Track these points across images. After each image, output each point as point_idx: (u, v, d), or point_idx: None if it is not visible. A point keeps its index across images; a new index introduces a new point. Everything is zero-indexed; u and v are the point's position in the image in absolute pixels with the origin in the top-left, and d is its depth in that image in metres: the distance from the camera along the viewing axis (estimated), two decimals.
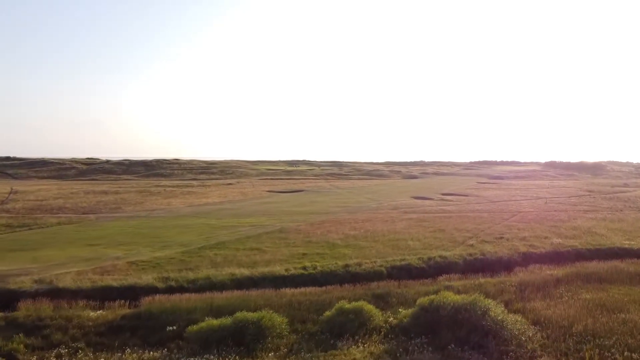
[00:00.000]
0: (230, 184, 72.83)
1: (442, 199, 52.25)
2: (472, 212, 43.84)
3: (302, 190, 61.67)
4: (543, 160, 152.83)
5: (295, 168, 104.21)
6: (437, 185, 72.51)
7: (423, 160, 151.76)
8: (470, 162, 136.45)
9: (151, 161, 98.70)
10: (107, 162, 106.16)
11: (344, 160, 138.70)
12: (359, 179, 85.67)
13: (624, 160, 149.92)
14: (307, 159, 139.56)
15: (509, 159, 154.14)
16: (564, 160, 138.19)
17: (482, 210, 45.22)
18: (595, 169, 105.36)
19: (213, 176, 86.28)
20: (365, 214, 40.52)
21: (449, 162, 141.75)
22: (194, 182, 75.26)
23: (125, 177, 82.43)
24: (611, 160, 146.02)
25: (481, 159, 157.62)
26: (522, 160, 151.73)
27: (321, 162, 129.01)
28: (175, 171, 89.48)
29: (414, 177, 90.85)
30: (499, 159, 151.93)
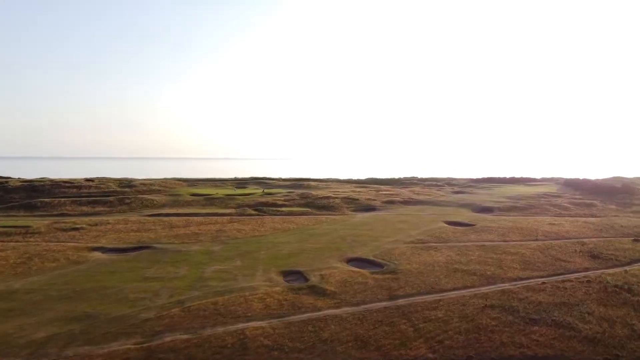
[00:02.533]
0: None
1: (320, 282, 30.85)
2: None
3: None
4: (565, 176, 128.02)
5: (234, 191, 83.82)
6: (367, 233, 51.02)
7: (415, 176, 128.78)
8: (471, 180, 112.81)
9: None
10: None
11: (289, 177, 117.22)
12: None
13: None
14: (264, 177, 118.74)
15: (524, 175, 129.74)
16: (591, 178, 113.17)
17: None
18: (625, 195, 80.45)
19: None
20: None
21: (445, 179, 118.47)
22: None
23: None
24: None
25: (489, 175, 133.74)
26: (538, 177, 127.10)
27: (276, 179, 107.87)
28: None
29: (371, 209, 68.83)
30: (510, 175, 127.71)
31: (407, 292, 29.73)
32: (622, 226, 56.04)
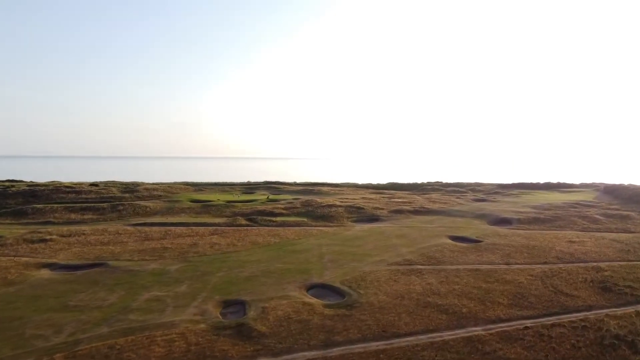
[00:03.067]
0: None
1: (256, 318, 26.14)
2: None
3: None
4: (608, 182, 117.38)
5: (237, 197, 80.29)
6: (352, 250, 46.06)
7: (440, 181, 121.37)
8: (499, 186, 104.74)
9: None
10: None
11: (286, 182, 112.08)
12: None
13: None
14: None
15: (562, 180, 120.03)
16: (635, 183, 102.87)
17: None
18: None
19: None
20: None
21: (472, 184, 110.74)
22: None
23: None
24: None
25: (524, 179, 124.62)
26: (577, 182, 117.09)
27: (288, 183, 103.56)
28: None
29: (374, 219, 63.47)
30: (546, 180, 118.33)
31: (349, 337, 24.58)
32: None
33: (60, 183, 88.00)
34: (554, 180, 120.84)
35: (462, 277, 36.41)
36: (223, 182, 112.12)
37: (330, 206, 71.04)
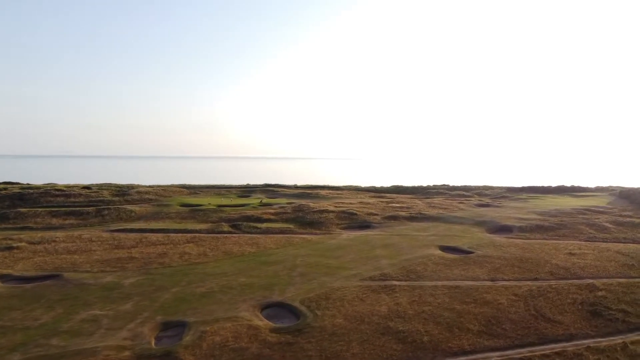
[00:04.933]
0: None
1: (188, 344, 23.45)
2: None
3: None
4: (626, 185, 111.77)
5: (229, 201, 78.03)
6: (329, 262, 43.24)
7: (447, 184, 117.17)
8: (507, 189, 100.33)
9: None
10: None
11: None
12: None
13: None
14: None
15: (577, 184, 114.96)
16: None
17: None
18: None
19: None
20: None
21: (480, 187, 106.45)
22: None
23: None
24: None
25: (535, 183, 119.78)
26: (592, 186, 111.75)
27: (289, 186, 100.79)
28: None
29: (365, 226, 60.43)
30: (559, 183, 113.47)
31: None
32: None
33: (54, 185, 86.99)
34: (568, 184, 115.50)
35: (437, 296, 33.12)
36: (221, 185, 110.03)
37: (322, 212, 68.11)
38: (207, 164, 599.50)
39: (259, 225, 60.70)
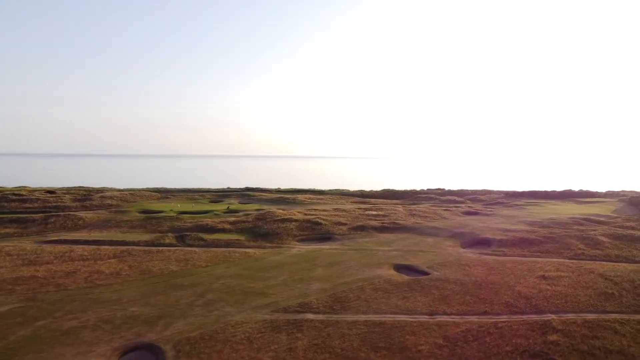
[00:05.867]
0: None
1: None
2: None
3: None
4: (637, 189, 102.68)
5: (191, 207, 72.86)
6: (252, 285, 37.64)
7: (443, 188, 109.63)
8: (506, 194, 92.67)
9: None
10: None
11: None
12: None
13: None
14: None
15: (586, 188, 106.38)
16: None
17: None
18: None
19: None
20: None
21: (479, 191, 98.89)
22: None
23: None
24: None
25: (541, 187, 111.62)
26: (603, 191, 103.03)
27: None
28: None
29: (326, 238, 54.43)
30: (567, 188, 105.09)
31: None
32: None
33: (21, 188, 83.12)
34: (581, 187, 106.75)
35: (348, 338, 26.82)
36: (196, 189, 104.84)
37: (284, 221, 62.16)
38: (226, 163, 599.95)
39: (207, 236, 55.11)
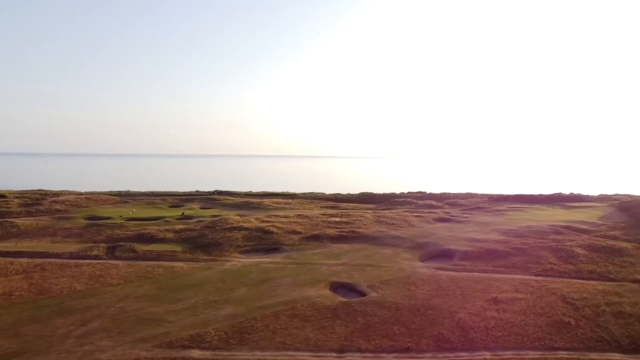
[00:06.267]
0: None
1: None
2: None
3: None
4: (635, 194, 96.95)
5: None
6: (151, 311, 32.67)
7: (424, 191, 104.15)
8: (489, 198, 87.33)
9: None
10: None
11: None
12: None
13: None
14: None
15: (577, 192, 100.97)
16: None
17: None
18: None
19: None
20: None
21: (463, 194, 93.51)
22: None
23: None
24: None
25: (536, 190, 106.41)
26: (596, 194, 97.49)
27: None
28: None
29: (272, 250, 49.56)
30: (557, 191, 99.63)
31: None
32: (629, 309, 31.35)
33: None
34: (573, 190, 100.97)
35: None
36: (160, 192, 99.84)
37: (232, 229, 57.21)
38: (225, 163, 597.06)
39: (141, 247, 50.27)
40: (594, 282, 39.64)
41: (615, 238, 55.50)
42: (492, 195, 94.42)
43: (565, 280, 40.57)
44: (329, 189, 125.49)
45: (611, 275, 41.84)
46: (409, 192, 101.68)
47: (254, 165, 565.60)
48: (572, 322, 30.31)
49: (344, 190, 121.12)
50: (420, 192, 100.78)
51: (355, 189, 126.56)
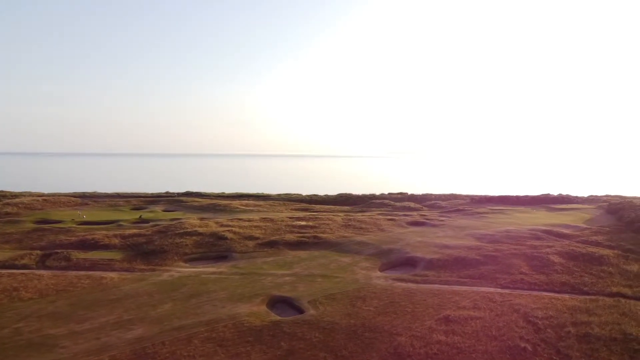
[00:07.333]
0: None
1: None
2: None
3: None
4: (626, 195, 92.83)
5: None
6: (46, 332, 28.22)
7: (406, 193, 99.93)
8: (471, 200, 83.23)
9: None
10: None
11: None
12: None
13: None
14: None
15: (567, 192, 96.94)
16: None
17: None
18: None
19: None
20: None
21: (447, 195, 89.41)
22: None
23: None
24: None
25: (509, 193, 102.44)
26: (586, 195, 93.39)
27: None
28: None
29: (221, 257, 45.38)
30: (545, 192, 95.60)
31: None
32: (598, 329, 27.35)
33: None
34: (557, 192, 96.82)
35: None
36: (125, 193, 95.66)
37: (184, 235, 53.15)
38: (225, 163, 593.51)
39: (78, 255, 46.25)
40: (565, 296, 35.61)
41: (597, 244, 51.45)
42: (474, 196, 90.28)
43: (534, 293, 36.50)
44: (320, 190, 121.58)
45: (585, 288, 37.76)
46: (388, 194, 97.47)
47: (254, 164, 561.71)
48: (529, 347, 26.21)
49: (333, 191, 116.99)
50: (400, 193, 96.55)
51: (347, 189, 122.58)
